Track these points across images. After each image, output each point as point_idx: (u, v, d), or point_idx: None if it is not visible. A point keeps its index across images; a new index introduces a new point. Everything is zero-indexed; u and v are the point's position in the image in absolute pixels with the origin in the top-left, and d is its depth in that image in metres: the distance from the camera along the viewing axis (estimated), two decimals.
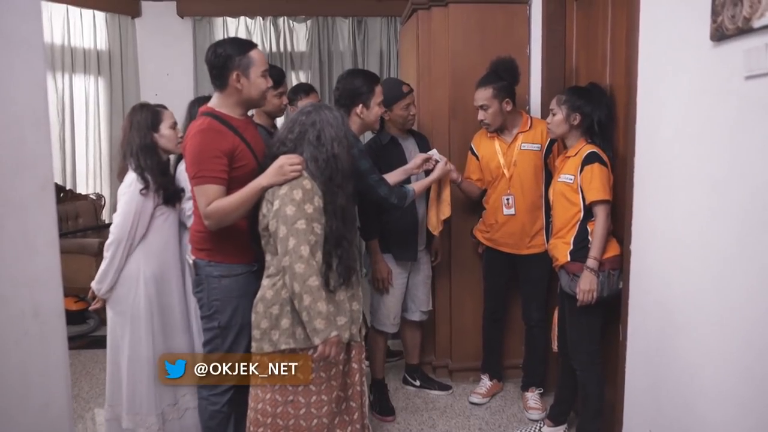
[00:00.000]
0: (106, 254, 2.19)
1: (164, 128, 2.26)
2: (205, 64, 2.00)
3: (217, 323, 1.99)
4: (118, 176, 2.30)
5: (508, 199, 2.71)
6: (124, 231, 2.16)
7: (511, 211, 2.71)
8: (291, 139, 1.86)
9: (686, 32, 1.66)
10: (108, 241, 2.20)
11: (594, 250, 2.16)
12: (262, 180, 1.82)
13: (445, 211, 2.63)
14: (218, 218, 1.86)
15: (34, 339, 0.92)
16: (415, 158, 2.54)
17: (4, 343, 0.86)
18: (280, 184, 1.79)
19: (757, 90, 1.38)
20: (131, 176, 2.19)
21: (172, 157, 2.37)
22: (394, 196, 2.32)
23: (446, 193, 2.62)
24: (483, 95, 2.63)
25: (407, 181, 2.54)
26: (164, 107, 2.32)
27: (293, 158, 1.80)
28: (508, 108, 2.65)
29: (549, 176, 2.68)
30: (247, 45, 1.98)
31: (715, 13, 1.48)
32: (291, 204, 1.75)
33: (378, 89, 2.38)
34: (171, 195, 2.26)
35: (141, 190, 2.15)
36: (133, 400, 2.23)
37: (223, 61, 1.91)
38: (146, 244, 2.22)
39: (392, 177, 2.44)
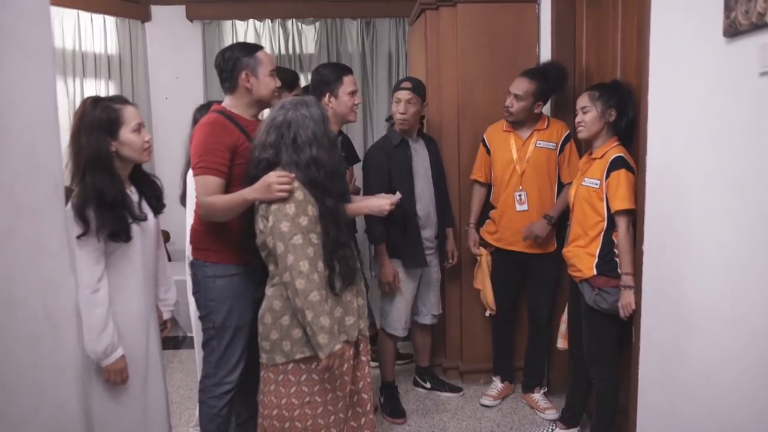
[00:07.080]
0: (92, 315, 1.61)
1: (125, 132, 1.70)
2: (214, 68, 2.08)
3: (212, 324, 2.02)
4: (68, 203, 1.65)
5: (520, 195, 2.68)
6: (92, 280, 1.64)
7: (524, 207, 2.68)
8: (270, 143, 1.80)
9: (698, 28, 1.64)
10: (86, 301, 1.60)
11: (625, 266, 2.09)
12: (248, 193, 1.80)
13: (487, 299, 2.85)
14: (209, 213, 1.92)
15: (46, 341, 0.92)
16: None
17: (17, 346, 0.86)
18: (268, 202, 1.76)
19: None
20: (69, 211, 1.58)
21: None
22: None
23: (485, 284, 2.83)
24: (521, 85, 2.61)
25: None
26: (126, 101, 1.75)
27: (284, 177, 1.74)
28: (537, 110, 2.65)
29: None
30: (254, 47, 2.07)
31: (728, 8, 1.46)
32: (285, 220, 1.73)
33: (347, 79, 2.35)
34: (120, 228, 1.66)
35: (79, 236, 1.60)
36: None
37: (233, 62, 1.99)
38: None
39: None
